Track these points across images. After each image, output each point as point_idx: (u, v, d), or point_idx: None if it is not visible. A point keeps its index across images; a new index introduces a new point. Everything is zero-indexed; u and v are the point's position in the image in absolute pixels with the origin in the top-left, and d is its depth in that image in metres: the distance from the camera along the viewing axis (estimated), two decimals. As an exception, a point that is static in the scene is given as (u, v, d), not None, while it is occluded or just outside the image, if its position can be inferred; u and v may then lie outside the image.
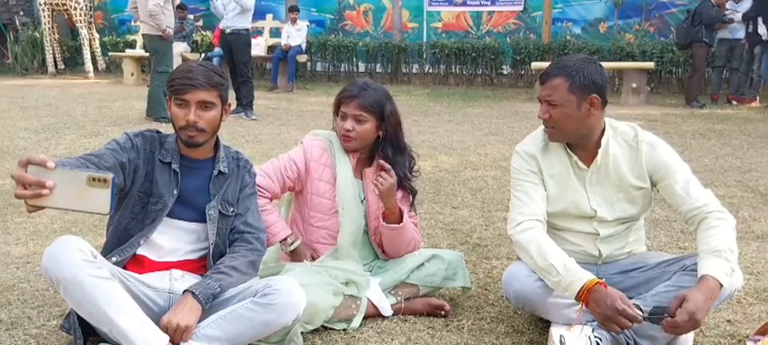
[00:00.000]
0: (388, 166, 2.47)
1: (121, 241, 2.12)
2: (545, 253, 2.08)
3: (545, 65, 10.58)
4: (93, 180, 1.65)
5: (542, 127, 2.30)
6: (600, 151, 2.21)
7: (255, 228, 2.25)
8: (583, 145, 2.23)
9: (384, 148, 2.52)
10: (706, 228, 2.07)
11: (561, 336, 2.05)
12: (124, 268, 2.08)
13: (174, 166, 2.15)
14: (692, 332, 2.16)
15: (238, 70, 7.99)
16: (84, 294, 1.85)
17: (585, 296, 1.97)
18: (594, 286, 1.97)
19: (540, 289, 2.16)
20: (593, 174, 2.24)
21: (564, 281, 2.02)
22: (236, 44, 8.05)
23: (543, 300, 2.16)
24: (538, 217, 2.19)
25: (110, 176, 1.67)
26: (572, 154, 2.25)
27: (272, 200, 2.52)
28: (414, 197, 2.62)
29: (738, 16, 8.98)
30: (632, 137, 2.24)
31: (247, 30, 8.15)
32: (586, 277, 2.00)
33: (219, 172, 2.21)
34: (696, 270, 2.02)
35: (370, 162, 2.55)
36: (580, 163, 2.24)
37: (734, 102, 9.25)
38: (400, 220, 2.49)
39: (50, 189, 1.62)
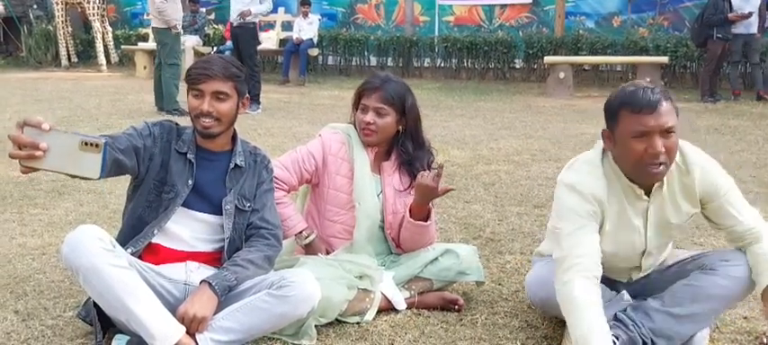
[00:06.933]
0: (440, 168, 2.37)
1: (136, 229, 2.14)
2: (571, 321, 1.90)
3: (558, 59, 10.27)
4: (86, 144, 1.68)
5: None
6: (665, 180, 2.01)
7: (272, 224, 2.26)
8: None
9: (403, 143, 2.50)
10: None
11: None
12: (140, 257, 2.10)
13: (190, 156, 2.17)
14: (708, 329, 2.17)
15: (244, 63, 7.95)
16: (103, 282, 1.87)
17: None
18: None
19: None
20: (652, 205, 2.06)
21: None
22: (242, 37, 8.04)
23: None
24: (590, 268, 1.93)
25: (102, 141, 1.69)
26: (633, 185, 2.01)
27: (288, 192, 2.51)
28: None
29: (753, 9, 8.82)
30: (681, 160, 2.03)
31: (253, 23, 8.13)
32: None
33: (236, 165, 2.22)
34: (715, 269, 2.07)
35: (388, 156, 2.54)
36: (643, 196, 2.03)
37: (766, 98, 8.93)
38: (428, 218, 2.47)
39: (44, 151, 1.64)
